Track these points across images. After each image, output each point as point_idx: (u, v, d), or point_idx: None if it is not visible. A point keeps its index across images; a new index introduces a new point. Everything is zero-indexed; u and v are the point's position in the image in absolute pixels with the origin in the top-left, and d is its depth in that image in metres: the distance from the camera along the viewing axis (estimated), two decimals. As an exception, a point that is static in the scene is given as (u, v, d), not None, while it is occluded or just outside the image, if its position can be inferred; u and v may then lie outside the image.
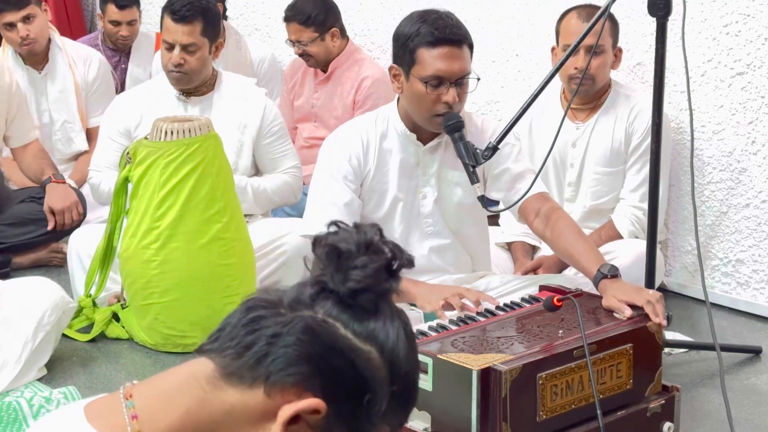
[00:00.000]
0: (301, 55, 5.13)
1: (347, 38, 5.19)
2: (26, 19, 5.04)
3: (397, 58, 3.34)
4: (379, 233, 1.25)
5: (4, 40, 5.27)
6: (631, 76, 4.46)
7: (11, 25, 5.05)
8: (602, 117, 4.15)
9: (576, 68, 3.98)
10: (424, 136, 3.41)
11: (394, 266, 1.23)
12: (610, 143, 4.14)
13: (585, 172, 4.20)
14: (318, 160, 3.49)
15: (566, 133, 4.11)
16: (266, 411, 1.19)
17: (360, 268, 1.21)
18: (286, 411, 1.18)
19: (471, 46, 3.32)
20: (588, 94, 4.11)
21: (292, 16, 5.09)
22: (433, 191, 3.45)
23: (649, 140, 4.00)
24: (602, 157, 4.16)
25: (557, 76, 4.06)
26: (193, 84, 4.29)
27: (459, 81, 3.26)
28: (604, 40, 4.02)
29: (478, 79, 3.32)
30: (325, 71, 5.18)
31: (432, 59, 3.24)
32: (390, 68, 3.38)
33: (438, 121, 3.30)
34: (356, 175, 3.40)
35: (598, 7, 4.08)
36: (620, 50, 4.16)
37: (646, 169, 4.03)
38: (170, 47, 4.22)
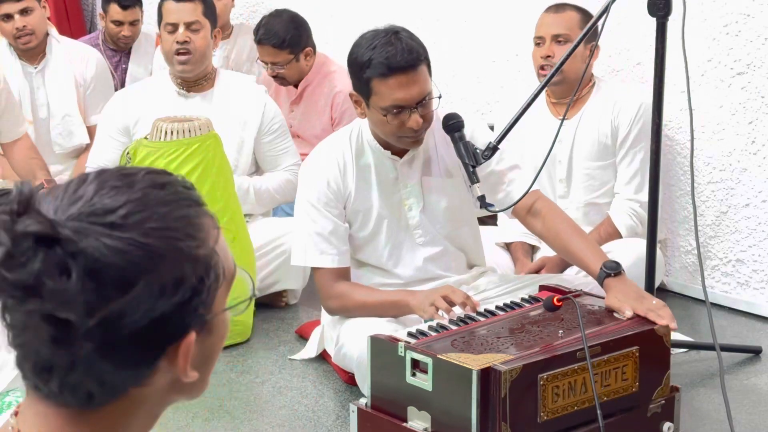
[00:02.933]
0: (274, 77, 5.02)
1: (316, 55, 5.09)
2: (24, 12, 5.04)
3: (354, 86, 3.26)
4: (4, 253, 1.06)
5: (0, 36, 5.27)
6: (631, 76, 4.47)
7: (8, 17, 5.05)
8: (586, 112, 4.17)
9: (542, 57, 4.08)
10: (398, 150, 3.37)
11: (16, 213, 1.06)
12: (596, 137, 4.15)
13: (574, 167, 4.21)
14: (298, 187, 3.45)
15: (551, 130, 4.12)
16: (158, 387, 1.15)
17: None
18: (182, 375, 1.13)
19: (428, 64, 3.22)
20: (560, 86, 4.10)
21: (265, 38, 4.93)
22: (418, 202, 3.42)
23: (636, 131, 4.09)
24: (590, 151, 4.17)
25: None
26: (197, 71, 4.28)
27: (420, 103, 3.19)
28: (571, 30, 4.07)
29: (440, 97, 3.23)
30: (295, 87, 5.10)
31: (388, 90, 3.15)
32: (350, 95, 3.30)
33: (407, 141, 3.26)
34: (337, 199, 3.37)
35: (567, 4, 4.15)
36: (597, 47, 4.16)
37: (637, 161, 4.09)
38: (174, 29, 4.24)
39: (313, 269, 3.42)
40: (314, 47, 5.05)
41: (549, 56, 4.06)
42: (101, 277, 1.07)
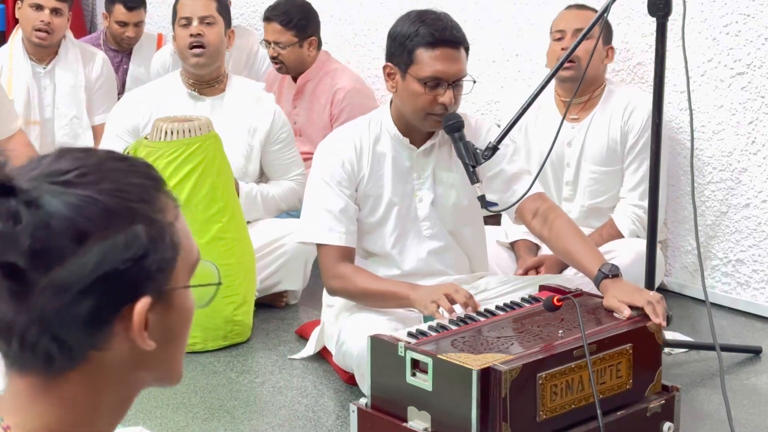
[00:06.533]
0: (273, 59, 5.04)
1: (320, 51, 5.10)
2: (55, 11, 5.08)
3: (393, 56, 3.34)
4: None
5: (13, 33, 5.27)
6: (631, 76, 4.47)
7: (39, 8, 5.06)
8: (597, 116, 4.16)
9: (563, 48, 4.03)
10: (416, 139, 3.41)
11: (1, 188, 1.12)
12: (606, 142, 4.15)
13: (582, 171, 4.20)
14: (312, 165, 3.49)
15: (562, 133, 4.11)
16: (119, 353, 1.17)
17: None
18: (137, 338, 1.15)
19: (467, 49, 3.34)
20: (574, 81, 4.09)
21: (274, 16, 4.99)
22: (429, 194, 3.44)
23: (645, 138, 4.06)
24: (598, 155, 4.17)
25: (549, 68, 4.16)
26: (211, 67, 4.28)
27: (456, 83, 3.27)
28: (594, 28, 4.06)
29: (474, 82, 3.32)
30: (294, 80, 5.09)
31: (431, 60, 3.25)
32: (384, 67, 3.38)
33: (432, 120, 3.30)
34: (350, 180, 3.40)
35: (587, 6, 4.16)
36: (612, 48, 4.18)
37: (644, 167, 4.07)
38: (187, 23, 4.26)
39: (319, 247, 3.42)
40: (320, 41, 5.07)
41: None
42: (53, 230, 1.11)
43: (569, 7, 4.22)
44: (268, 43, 5.02)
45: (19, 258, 1.10)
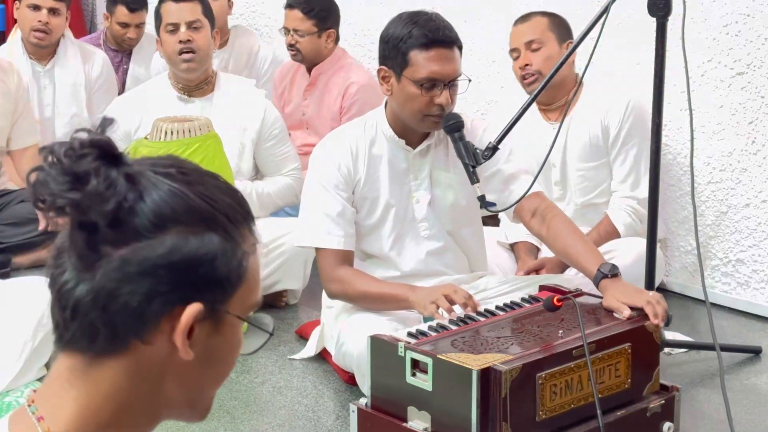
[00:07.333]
0: (290, 46, 5.07)
1: (337, 45, 5.16)
2: (52, 11, 5.09)
3: (386, 59, 3.33)
4: (68, 147, 1.17)
5: (12, 32, 5.28)
6: (632, 76, 4.47)
7: (37, 8, 5.07)
8: (575, 114, 4.16)
9: (520, 68, 4.11)
10: (412, 140, 3.41)
11: (109, 155, 1.18)
12: (587, 138, 4.16)
13: (568, 169, 4.21)
14: (308, 169, 3.49)
15: (543, 134, 4.13)
16: (158, 352, 1.19)
17: (89, 196, 1.15)
18: (179, 341, 1.18)
19: (461, 48, 3.33)
20: (545, 90, 4.08)
21: (296, 3, 5.04)
22: (427, 195, 3.44)
23: (626, 129, 4.10)
24: (581, 152, 4.18)
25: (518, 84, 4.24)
26: (201, 70, 4.28)
27: (451, 82, 3.27)
28: (542, 34, 4.11)
29: (469, 81, 3.32)
30: (308, 72, 5.13)
31: (426, 61, 3.24)
32: (379, 70, 3.37)
33: (430, 121, 3.30)
34: (347, 183, 3.40)
35: (533, 12, 4.18)
36: (571, 44, 4.17)
37: (630, 158, 4.11)
38: (175, 29, 4.25)
39: (317, 250, 3.42)
40: (338, 35, 5.10)
41: (527, 65, 4.09)
42: (140, 208, 1.17)
43: (516, 22, 4.22)
44: (287, 30, 5.06)
45: (101, 219, 1.15)
